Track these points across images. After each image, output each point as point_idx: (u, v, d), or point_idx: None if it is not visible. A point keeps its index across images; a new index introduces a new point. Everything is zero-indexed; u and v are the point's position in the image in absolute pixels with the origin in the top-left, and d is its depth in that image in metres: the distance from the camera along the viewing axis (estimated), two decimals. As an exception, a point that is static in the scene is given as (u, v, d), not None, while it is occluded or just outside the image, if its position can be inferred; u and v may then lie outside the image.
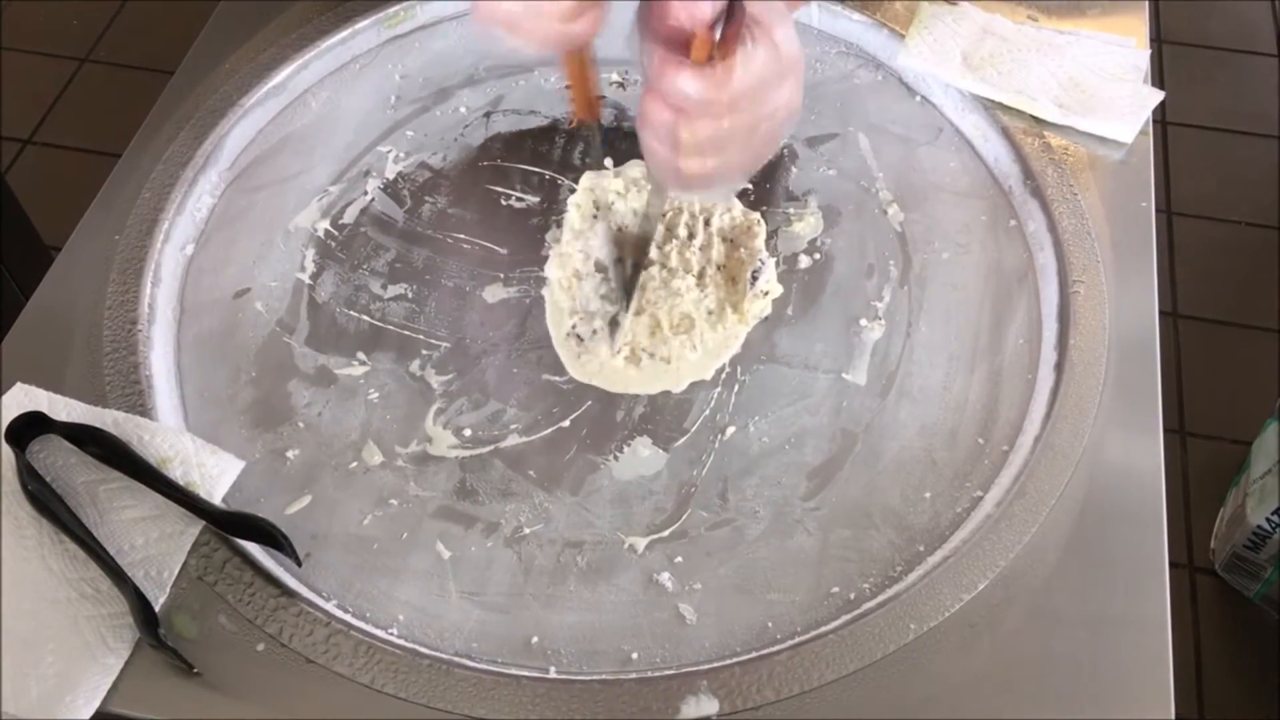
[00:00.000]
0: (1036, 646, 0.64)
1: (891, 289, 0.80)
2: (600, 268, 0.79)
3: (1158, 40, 2.05)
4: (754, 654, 0.64)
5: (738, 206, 0.83)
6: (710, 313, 0.78)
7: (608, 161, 0.86)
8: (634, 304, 0.77)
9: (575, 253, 0.80)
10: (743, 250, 0.80)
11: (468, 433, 0.74)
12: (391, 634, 0.65)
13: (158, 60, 1.94)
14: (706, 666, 0.64)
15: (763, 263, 0.79)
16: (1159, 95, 0.87)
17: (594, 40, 0.66)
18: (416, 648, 0.64)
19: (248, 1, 0.94)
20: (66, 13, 2.07)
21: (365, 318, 0.79)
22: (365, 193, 0.85)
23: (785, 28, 0.60)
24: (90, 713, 0.61)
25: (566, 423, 0.74)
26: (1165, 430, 0.72)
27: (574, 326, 0.77)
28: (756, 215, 0.82)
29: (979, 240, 0.83)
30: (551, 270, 0.80)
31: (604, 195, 0.83)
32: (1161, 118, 1.92)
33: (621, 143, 0.87)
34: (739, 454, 0.73)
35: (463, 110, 0.90)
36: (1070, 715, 0.62)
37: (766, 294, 0.79)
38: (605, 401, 0.75)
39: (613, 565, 0.68)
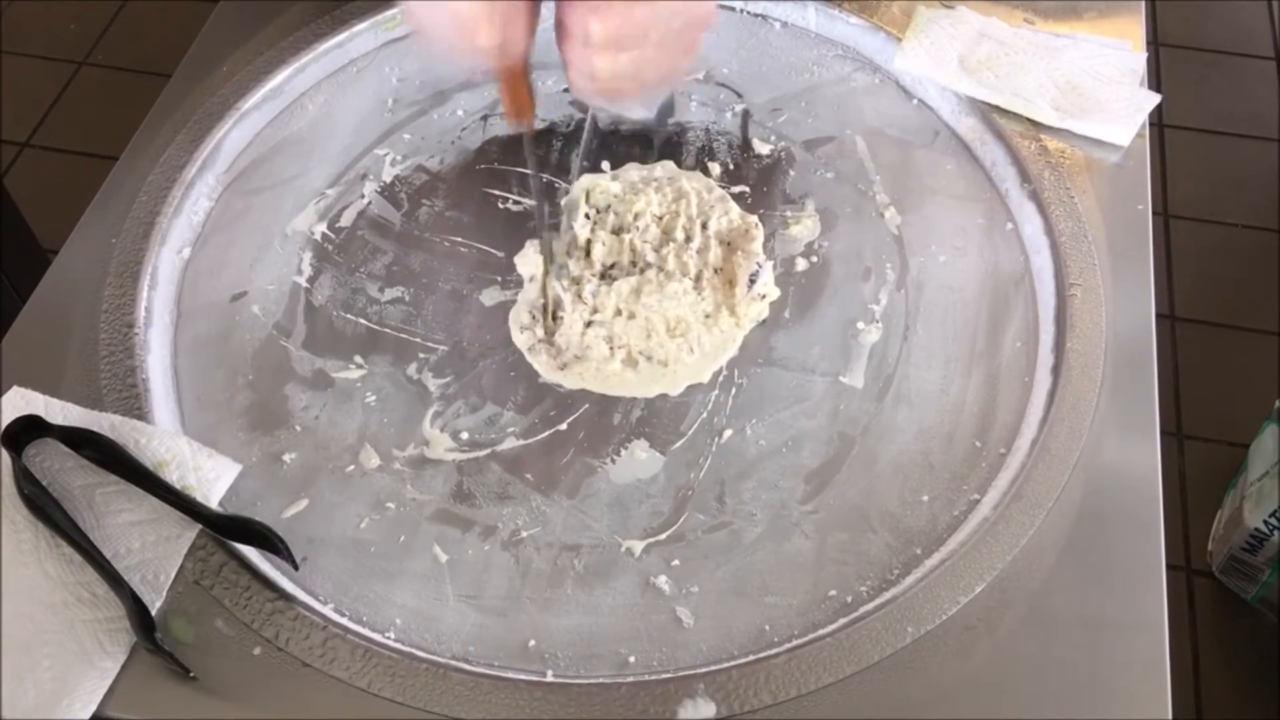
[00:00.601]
0: (1034, 649, 0.64)
1: (889, 292, 0.80)
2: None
3: (1154, 43, 2.05)
4: (751, 657, 0.64)
5: (735, 210, 0.83)
6: (707, 316, 0.78)
7: (604, 164, 0.86)
8: (552, 320, 0.77)
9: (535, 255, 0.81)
10: (740, 253, 0.80)
11: (465, 436, 0.74)
12: (388, 637, 0.65)
13: (155, 63, 1.94)
14: (704, 670, 0.64)
15: (760, 266, 0.79)
16: (1156, 98, 0.87)
17: (530, 56, 0.67)
18: (413, 651, 0.64)
19: (245, 4, 0.94)
20: (64, 16, 2.07)
21: (362, 321, 0.79)
22: (362, 196, 0.85)
23: None
24: (87, 716, 0.61)
25: (564, 426, 0.74)
26: (1162, 433, 0.72)
27: (548, 338, 0.77)
28: (754, 218, 0.82)
29: (976, 243, 0.83)
30: (525, 268, 0.80)
31: (602, 198, 0.83)
32: (1158, 120, 1.93)
33: (619, 145, 0.87)
34: (736, 457, 0.73)
35: (460, 113, 0.90)
36: (1067, 718, 0.62)
37: (764, 297, 0.79)
38: (602, 405, 0.75)
39: (610, 568, 0.68)
